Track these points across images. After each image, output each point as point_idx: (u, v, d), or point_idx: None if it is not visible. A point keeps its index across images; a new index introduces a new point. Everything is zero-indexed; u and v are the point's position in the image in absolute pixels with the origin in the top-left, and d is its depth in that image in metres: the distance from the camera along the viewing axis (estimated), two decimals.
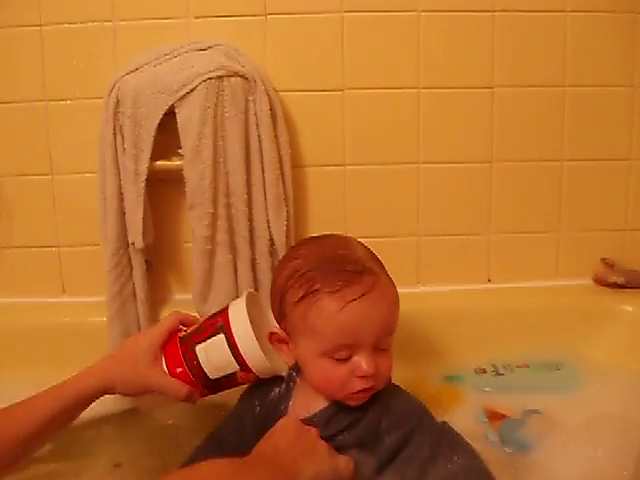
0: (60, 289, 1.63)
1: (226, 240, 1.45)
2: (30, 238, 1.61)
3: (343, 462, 0.97)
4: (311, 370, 1.02)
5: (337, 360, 0.97)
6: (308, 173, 1.58)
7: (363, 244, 1.07)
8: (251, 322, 1.05)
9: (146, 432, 1.34)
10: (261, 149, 1.45)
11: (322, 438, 0.98)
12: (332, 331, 0.95)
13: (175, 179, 1.45)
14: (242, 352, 1.06)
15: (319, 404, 1.03)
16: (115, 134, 1.43)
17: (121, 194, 1.45)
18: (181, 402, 1.10)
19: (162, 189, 1.53)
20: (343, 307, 0.94)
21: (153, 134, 1.42)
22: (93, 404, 1.08)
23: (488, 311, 1.56)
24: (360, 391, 0.98)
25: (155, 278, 1.57)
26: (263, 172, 1.45)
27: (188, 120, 1.40)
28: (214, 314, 1.14)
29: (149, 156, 1.43)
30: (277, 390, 1.09)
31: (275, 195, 1.45)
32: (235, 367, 1.07)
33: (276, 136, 1.46)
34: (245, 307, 1.08)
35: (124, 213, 1.45)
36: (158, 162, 1.46)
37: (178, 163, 1.45)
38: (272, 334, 1.07)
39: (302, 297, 0.98)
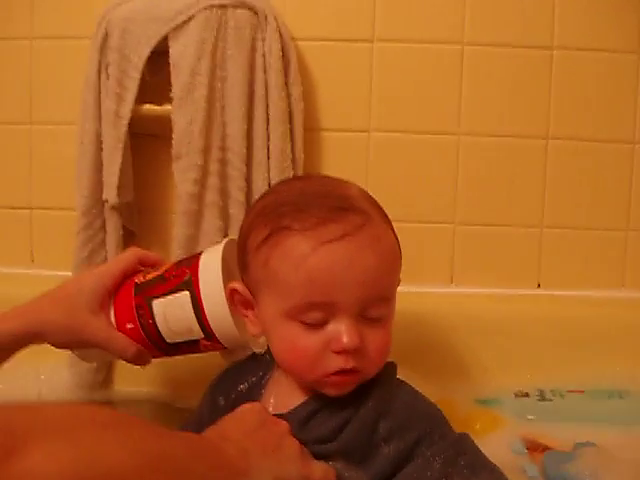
0: (29, 259, 1.40)
1: (217, 203, 1.21)
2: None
3: (319, 471, 0.74)
4: (274, 338, 0.80)
5: (308, 325, 0.75)
6: (324, 138, 1.34)
7: (365, 191, 0.83)
8: (227, 280, 0.86)
9: None
10: (267, 98, 1.22)
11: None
12: (299, 282, 0.73)
13: (168, 136, 1.21)
14: (209, 318, 0.87)
15: (297, 399, 0.81)
16: (100, 72, 1.23)
17: (100, 142, 1.23)
18: (128, 363, 0.94)
19: (152, 146, 1.32)
20: (315, 249, 0.73)
21: (141, 70, 1.20)
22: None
23: (535, 322, 1.29)
24: (339, 373, 0.75)
25: None
26: (268, 126, 1.22)
27: (181, 54, 1.18)
28: (182, 260, 0.94)
29: (134, 96, 1.21)
30: (247, 382, 0.88)
31: (280, 154, 1.21)
32: (199, 334, 0.89)
33: (287, 85, 1.23)
34: (221, 260, 0.87)
35: (102, 165, 1.23)
36: (145, 106, 1.23)
37: (170, 109, 1.22)
38: (233, 292, 0.84)
39: (266, 237, 0.76)
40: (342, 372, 0.74)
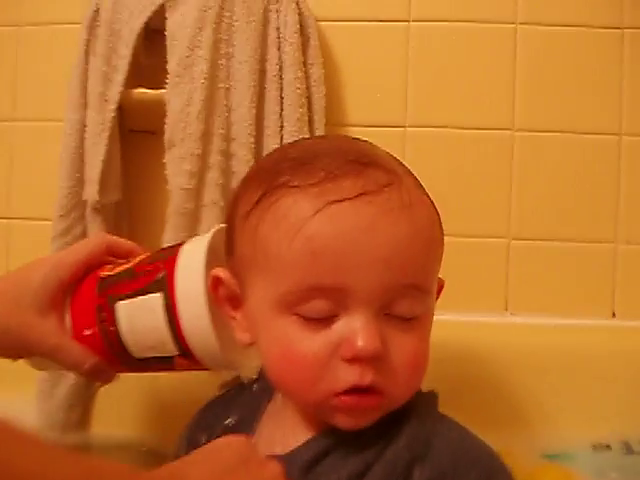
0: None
1: (217, 202, 0.99)
2: None
3: None
4: (264, 342, 0.59)
5: (309, 321, 0.55)
6: (351, 134, 1.11)
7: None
8: None
9: None
10: (281, 79, 1.02)
11: None
12: (296, 255, 0.54)
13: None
14: (185, 331, 0.67)
15: (301, 436, 0.60)
16: (88, 53, 1.05)
17: (84, 132, 1.04)
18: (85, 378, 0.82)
19: (147, 144, 1.11)
20: (319, 210, 0.53)
21: (132, 47, 1.02)
22: None
23: (612, 358, 1.03)
24: (351, 392, 0.54)
25: None
26: (281, 111, 1.02)
27: (179, 24, 1.00)
28: (159, 252, 0.75)
29: (124, 78, 1.02)
30: (237, 415, 0.69)
31: None
32: (172, 350, 0.69)
33: (305, 65, 1.03)
34: (205, 253, 0.67)
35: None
36: (137, 90, 1.04)
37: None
38: (217, 283, 0.63)
39: (257, 201, 0.57)
40: (356, 391, 0.54)
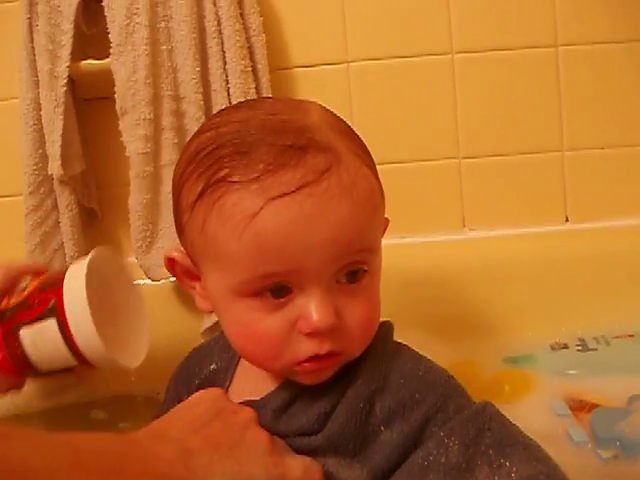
0: None
1: (175, 162, 1.02)
2: None
3: (298, 468, 0.58)
4: (226, 321, 0.63)
5: (266, 301, 0.58)
6: (296, 76, 1.15)
7: (332, 112, 0.64)
8: (102, 294, 0.81)
9: None
10: (221, 34, 1.04)
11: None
12: (245, 251, 0.56)
13: None
14: (81, 347, 0.79)
15: (270, 383, 0.66)
16: (32, 31, 1.08)
17: (40, 110, 1.08)
18: None
19: (103, 111, 1.14)
20: (262, 208, 0.55)
21: (73, 20, 1.05)
22: None
23: (567, 262, 1.10)
24: (312, 359, 0.59)
25: (102, 234, 1.19)
26: (225, 66, 1.05)
27: None
28: (47, 281, 0.83)
29: (69, 52, 1.06)
30: (214, 365, 0.73)
31: (243, 96, 1.04)
32: (73, 362, 0.82)
33: (243, 16, 1.06)
34: (84, 280, 0.78)
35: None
36: (84, 62, 1.08)
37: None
38: (172, 262, 0.67)
39: (200, 193, 0.59)
40: (316, 358, 0.59)
